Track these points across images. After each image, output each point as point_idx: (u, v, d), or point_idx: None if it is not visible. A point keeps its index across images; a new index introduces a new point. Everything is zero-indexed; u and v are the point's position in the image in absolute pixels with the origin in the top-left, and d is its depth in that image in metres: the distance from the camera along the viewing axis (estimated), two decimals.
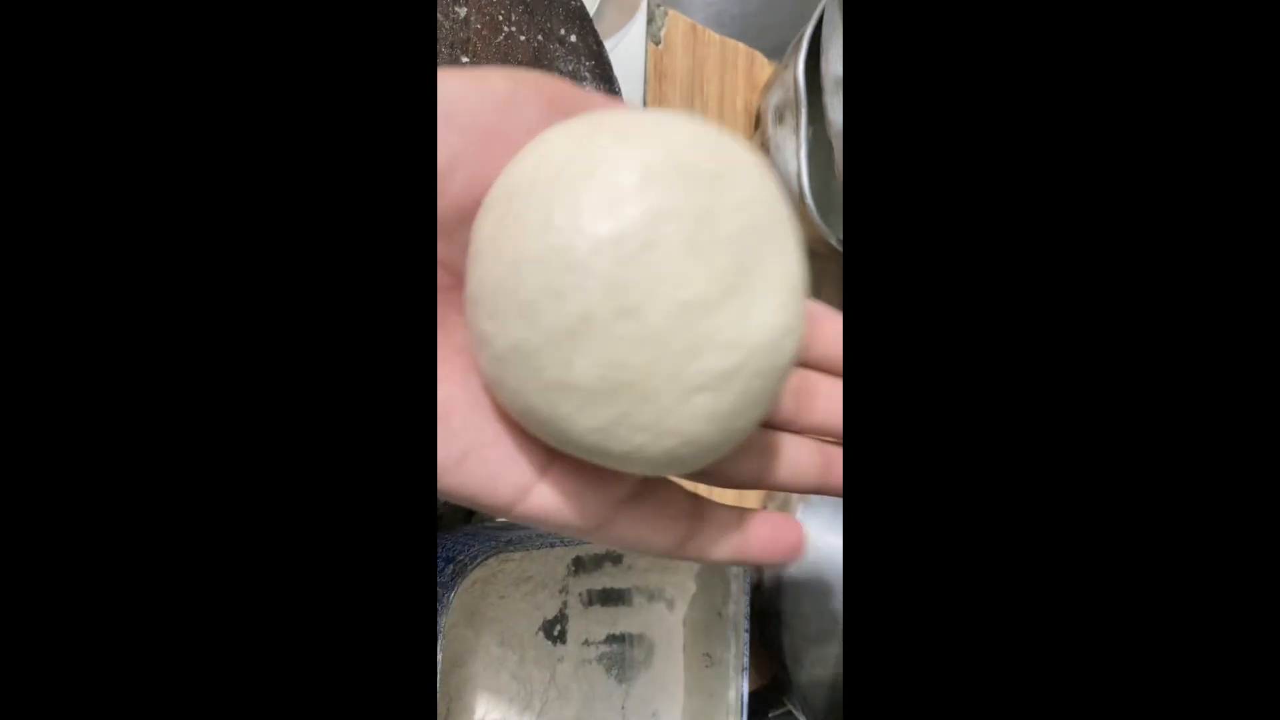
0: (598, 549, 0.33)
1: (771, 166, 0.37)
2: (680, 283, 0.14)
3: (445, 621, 0.25)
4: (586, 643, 0.33)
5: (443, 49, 0.30)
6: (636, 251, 0.14)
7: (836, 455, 0.21)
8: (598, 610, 0.34)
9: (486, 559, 0.26)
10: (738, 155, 0.16)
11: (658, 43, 0.38)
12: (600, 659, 0.34)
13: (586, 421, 0.15)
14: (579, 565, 0.33)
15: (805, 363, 0.21)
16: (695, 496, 0.19)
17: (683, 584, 0.36)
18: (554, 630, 0.32)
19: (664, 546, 0.18)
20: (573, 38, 0.33)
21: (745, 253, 0.15)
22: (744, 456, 0.20)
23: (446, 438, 0.16)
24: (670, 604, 0.36)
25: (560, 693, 0.32)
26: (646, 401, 0.15)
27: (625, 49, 0.37)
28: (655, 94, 0.38)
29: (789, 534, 0.19)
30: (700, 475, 0.19)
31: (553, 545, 0.28)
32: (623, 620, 0.34)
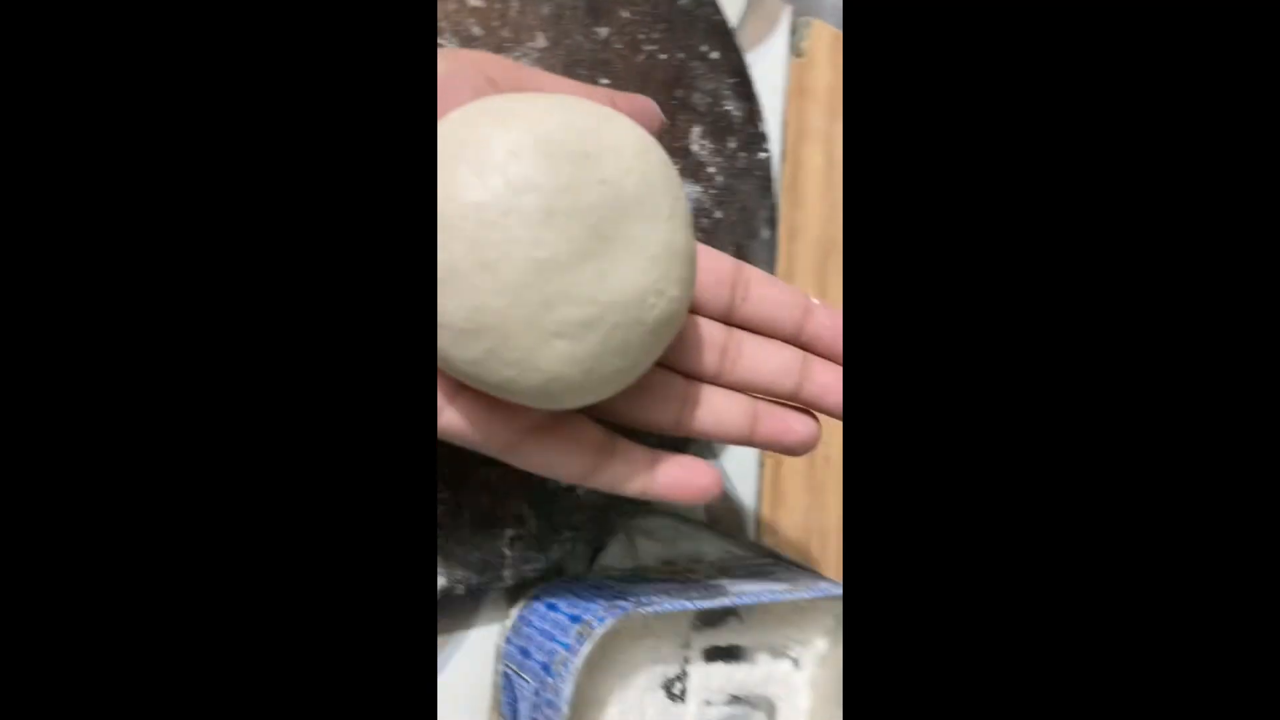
0: (722, 604, 0.31)
1: None
2: (535, 245, 0.17)
3: (572, 685, 0.24)
4: (707, 703, 0.31)
5: (581, 70, 0.28)
6: (496, 217, 0.17)
7: (766, 411, 0.22)
8: (720, 667, 0.31)
9: (615, 621, 0.24)
10: (612, 138, 0.18)
11: (799, 55, 0.36)
12: None
13: (462, 354, 0.17)
14: (703, 620, 0.31)
15: (733, 321, 0.22)
16: (609, 433, 0.21)
17: (810, 642, 0.33)
18: (674, 688, 0.30)
19: (572, 473, 0.21)
20: (714, 54, 0.30)
21: (605, 222, 0.17)
22: (660, 402, 0.21)
23: None
24: (796, 663, 0.33)
25: None
26: (509, 341, 0.17)
27: (766, 63, 0.35)
28: (795, 110, 0.35)
29: (700, 476, 0.21)
30: (614, 415, 0.21)
31: (684, 608, 0.26)
32: (745, 680, 0.32)
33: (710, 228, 0.30)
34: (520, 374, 0.17)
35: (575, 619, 0.25)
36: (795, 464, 0.35)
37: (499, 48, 0.27)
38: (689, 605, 0.26)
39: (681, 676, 0.30)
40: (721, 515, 0.35)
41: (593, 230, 0.17)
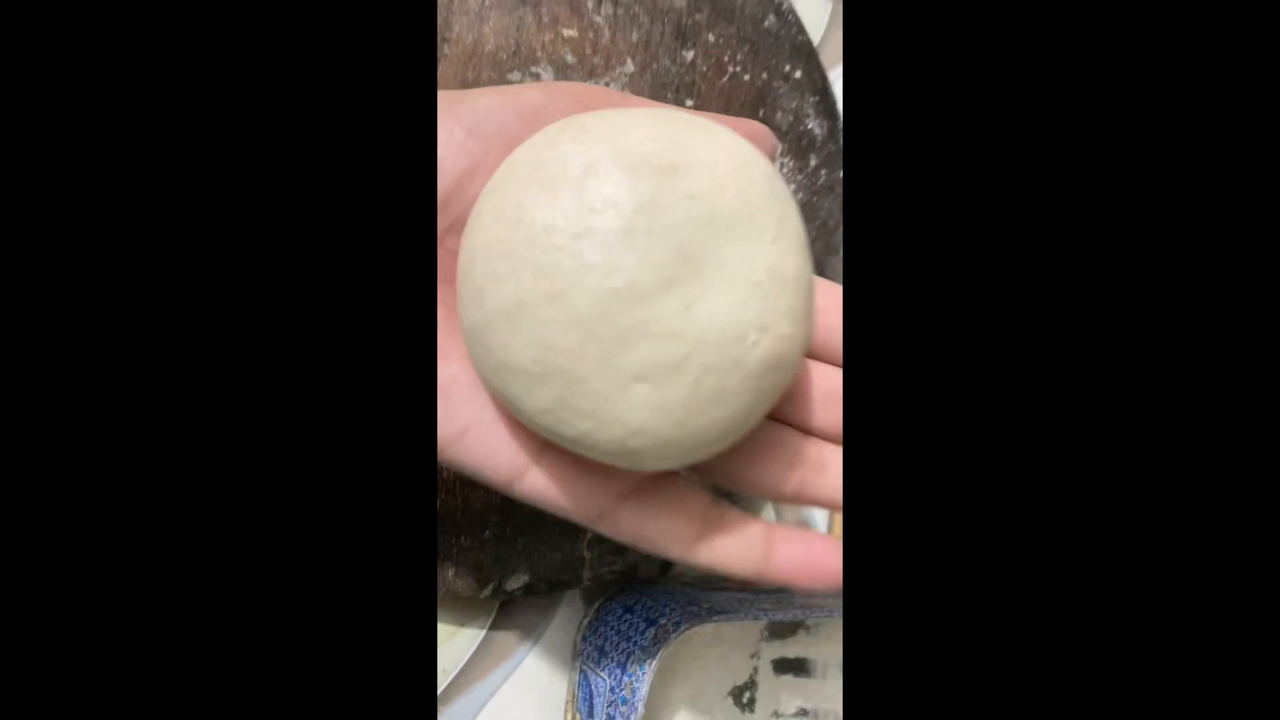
0: (794, 616, 0.31)
1: None
2: (610, 271, 0.14)
3: (648, 685, 0.25)
4: (776, 715, 0.31)
5: (668, 93, 0.29)
6: (567, 240, 0.14)
7: None
8: (789, 680, 0.32)
9: (690, 628, 0.25)
10: (706, 149, 0.15)
11: None
12: None
13: (533, 403, 0.15)
14: (773, 631, 0.31)
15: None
16: (716, 500, 0.18)
17: None
18: (743, 697, 0.31)
19: (672, 547, 0.18)
20: (797, 74, 0.31)
21: (694, 244, 0.15)
22: (775, 463, 0.18)
23: (448, 413, 0.16)
24: None
25: None
26: (581, 386, 0.15)
27: None
28: None
29: (823, 557, 0.18)
30: (717, 476, 0.18)
31: (758, 618, 0.27)
32: (814, 694, 0.32)
33: None
34: (597, 426, 0.15)
35: (651, 622, 0.26)
36: None
37: (591, 74, 0.28)
38: (761, 616, 0.27)
39: (751, 686, 0.31)
40: (794, 525, 0.35)
41: (679, 253, 0.15)
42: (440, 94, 0.17)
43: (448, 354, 0.17)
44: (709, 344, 0.15)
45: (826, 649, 0.32)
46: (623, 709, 0.25)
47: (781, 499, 0.19)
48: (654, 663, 0.25)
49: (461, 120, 0.17)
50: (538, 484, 0.17)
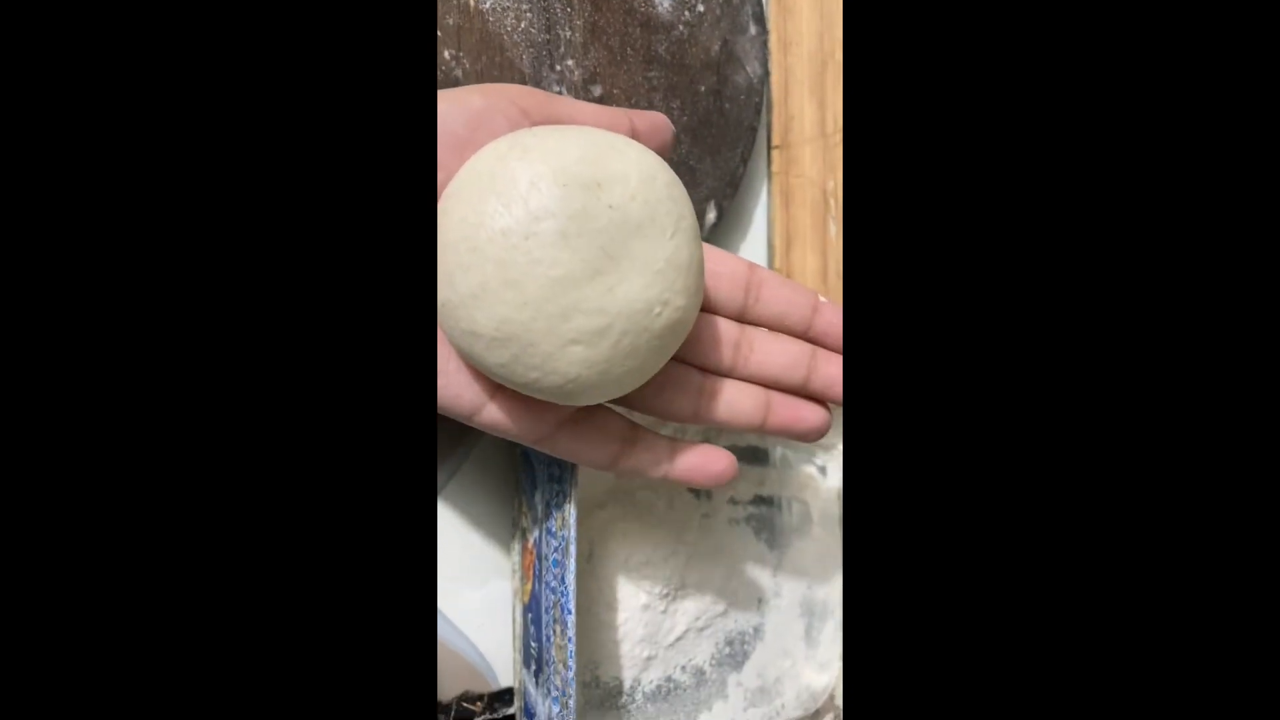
0: None
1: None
2: (552, 264, 0.19)
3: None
4: (733, 501, 0.31)
5: None
6: (519, 241, 0.19)
7: (779, 401, 0.24)
8: (744, 469, 0.31)
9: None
10: (620, 167, 0.20)
11: None
12: (748, 520, 0.31)
13: (493, 359, 0.20)
14: None
15: (747, 320, 0.24)
16: (632, 425, 0.23)
17: (834, 448, 0.33)
18: None
19: (599, 461, 0.23)
20: None
21: (614, 243, 0.20)
22: (679, 395, 0.23)
23: None
24: (823, 470, 0.33)
25: (707, 551, 0.30)
26: (532, 348, 0.20)
27: None
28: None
29: (714, 463, 0.23)
30: (638, 408, 0.23)
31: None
32: (770, 482, 0.32)
33: (694, 21, 0.30)
34: (542, 375, 0.20)
35: None
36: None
37: None
38: None
39: None
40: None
41: (602, 250, 0.19)
42: None
43: None
44: (625, 316, 0.20)
45: (782, 439, 0.32)
46: (554, 469, 0.24)
47: (683, 420, 0.24)
48: None
49: None
50: (493, 417, 0.21)
